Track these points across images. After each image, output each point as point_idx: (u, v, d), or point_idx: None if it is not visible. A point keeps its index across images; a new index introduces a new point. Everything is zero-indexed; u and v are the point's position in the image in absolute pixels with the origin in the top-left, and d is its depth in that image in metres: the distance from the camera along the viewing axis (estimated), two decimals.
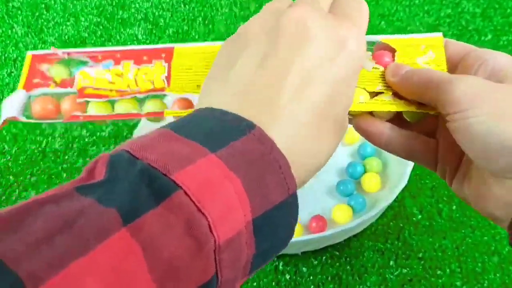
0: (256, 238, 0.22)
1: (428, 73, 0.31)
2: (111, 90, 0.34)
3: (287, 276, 0.45)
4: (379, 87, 0.33)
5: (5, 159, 0.54)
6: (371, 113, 0.34)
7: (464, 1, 0.71)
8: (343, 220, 0.46)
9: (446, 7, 0.70)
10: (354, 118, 0.34)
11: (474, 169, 0.31)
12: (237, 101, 0.25)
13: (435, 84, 0.29)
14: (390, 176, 0.50)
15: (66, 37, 0.68)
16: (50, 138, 0.55)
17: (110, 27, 0.69)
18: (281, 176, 0.23)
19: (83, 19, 0.70)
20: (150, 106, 0.34)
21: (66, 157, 0.54)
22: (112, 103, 0.35)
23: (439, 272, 0.45)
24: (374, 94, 0.33)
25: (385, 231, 0.47)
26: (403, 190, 0.47)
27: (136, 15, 0.71)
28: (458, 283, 0.44)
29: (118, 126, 0.56)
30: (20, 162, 0.53)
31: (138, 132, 0.50)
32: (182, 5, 0.73)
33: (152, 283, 0.19)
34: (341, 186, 0.49)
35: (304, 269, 0.45)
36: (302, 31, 0.26)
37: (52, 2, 0.73)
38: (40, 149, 0.55)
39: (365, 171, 0.50)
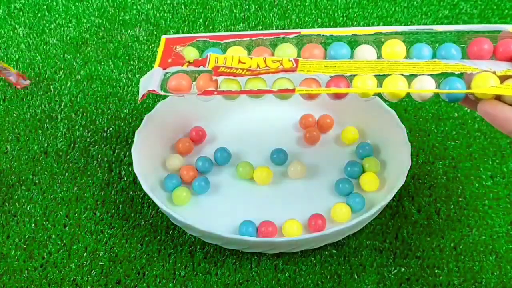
0: None
1: None
2: (242, 70, 0.38)
3: (287, 274, 0.45)
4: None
5: (7, 159, 0.54)
6: (498, 98, 0.33)
7: (462, 2, 0.71)
8: (342, 219, 0.47)
9: (444, 8, 0.70)
10: (481, 102, 0.33)
11: None
12: None
13: None
14: (388, 176, 0.50)
15: (68, 38, 0.68)
16: (52, 138, 0.56)
17: (112, 28, 0.70)
18: None
19: (84, 20, 0.71)
20: (278, 85, 0.38)
21: (68, 157, 0.54)
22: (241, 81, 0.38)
23: (437, 271, 0.45)
24: (503, 79, 0.33)
25: (383, 230, 0.48)
26: (401, 189, 0.47)
27: (137, 16, 0.71)
28: (455, 282, 0.44)
29: (119, 127, 0.57)
30: (22, 162, 0.54)
31: (142, 129, 0.50)
32: (183, 7, 0.73)
33: None
34: (340, 186, 0.49)
35: (304, 267, 0.46)
36: None
37: (54, 3, 0.73)
38: (42, 148, 0.55)
39: (363, 171, 0.51)
